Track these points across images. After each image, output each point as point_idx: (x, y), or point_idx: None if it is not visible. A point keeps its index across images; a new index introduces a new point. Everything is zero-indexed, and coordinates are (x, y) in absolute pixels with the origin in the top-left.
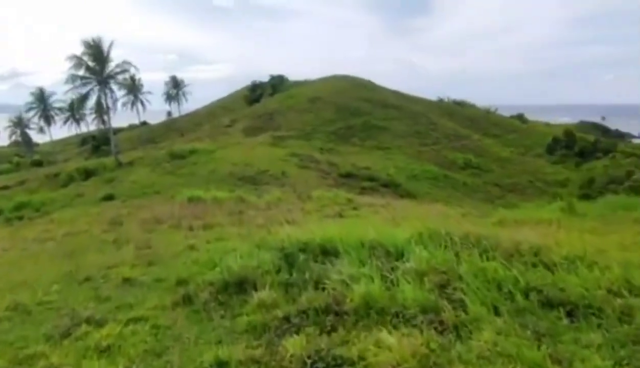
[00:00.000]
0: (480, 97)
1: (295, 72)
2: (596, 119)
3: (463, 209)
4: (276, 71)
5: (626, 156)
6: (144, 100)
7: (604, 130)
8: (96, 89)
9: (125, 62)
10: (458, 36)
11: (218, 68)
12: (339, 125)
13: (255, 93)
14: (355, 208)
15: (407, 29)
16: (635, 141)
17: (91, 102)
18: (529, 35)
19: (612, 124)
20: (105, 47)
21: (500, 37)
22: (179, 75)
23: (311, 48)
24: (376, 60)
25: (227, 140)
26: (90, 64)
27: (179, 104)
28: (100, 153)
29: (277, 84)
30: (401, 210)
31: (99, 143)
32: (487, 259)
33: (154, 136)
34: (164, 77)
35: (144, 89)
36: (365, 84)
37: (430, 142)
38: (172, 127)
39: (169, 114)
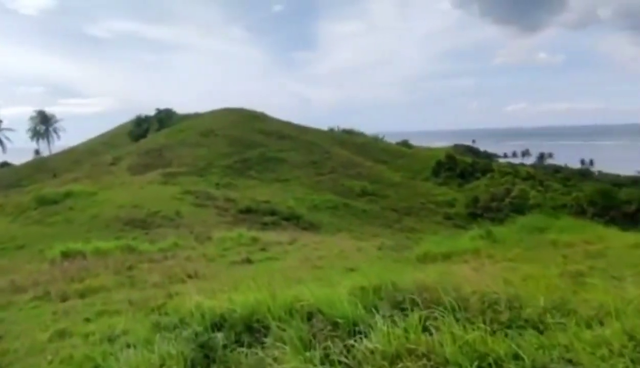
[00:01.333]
0: (365, 125)
1: (183, 106)
2: (468, 143)
3: (376, 241)
4: (162, 105)
5: (502, 175)
6: (3, 138)
7: (476, 152)
8: None
9: None
10: (342, 68)
11: (95, 102)
12: (235, 159)
13: (140, 128)
14: (263, 249)
15: (292, 62)
16: (502, 160)
17: None
18: (405, 68)
19: (482, 146)
20: None
21: (380, 69)
22: (49, 110)
23: (198, 82)
24: (265, 93)
25: (110, 180)
26: None
27: (49, 141)
28: None
29: (165, 118)
30: (313, 248)
31: None
32: (465, 327)
33: (19, 178)
34: (29, 111)
35: (3, 125)
36: (258, 116)
37: (327, 171)
38: (42, 167)
39: (37, 152)
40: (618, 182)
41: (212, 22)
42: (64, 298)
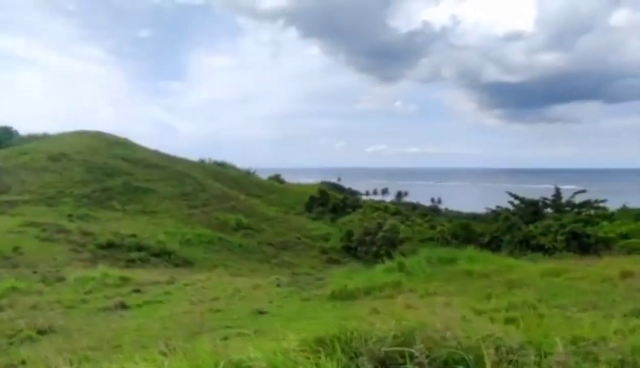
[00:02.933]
0: (235, 159)
1: (27, 126)
2: (333, 180)
3: (268, 278)
4: None
5: (373, 210)
6: None
7: (341, 189)
8: None
9: None
10: (212, 101)
11: None
12: (93, 188)
13: None
14: (137, 291)
15: (159, 90)
16: (365, 197)
17: None
18: (274, 106)
19: (346, 184)
20: None
21: (250, 105)
22: None
23: (46, 101)
24: (127, 120)
25: None
26: None
27: None
28: None
29: (3, 137)
30: (200, 287)
31: None
32: None
33: None
34: None
35: None
36: (121, 142)
37: (200, 203)
38: None
39: None
40: (462, 217)
41: (67, 38)
42: None
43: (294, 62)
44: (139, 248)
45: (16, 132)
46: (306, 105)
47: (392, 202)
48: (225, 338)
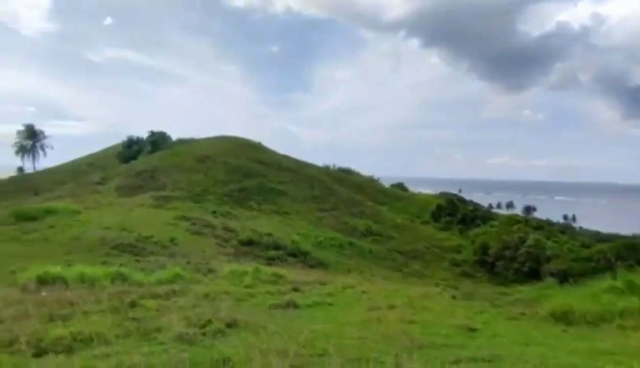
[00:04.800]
0: (353, 167)
1: (177, 132)
2: (453, 191)
3: (430, 286)
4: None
5: (512, 223)
6: None
7: (463, 201)
8: None
9: None
10: (333, 112)
11: (86, 125)
12: (232, 187)
13: (131, 149)
14: (297, 289)
15: (286, 102)
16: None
17: None
18: (393, 116)
19: (466, 196)
20: None
21: (369, 115)
22: (38, 128)
23: (190, 112)
24: (257, 129)
25: (96, 199)
26: None
27: (34, 158)
28: None
29: (159, 141)
30: (359, 292)
31: None
32: None
33: None
34: (18, 128)
35: None
36: (255, 145)
37: (329, 207)
38: (24, 184)
39: (21, 169)
40: (600, 238)
41: (206, 57)
42: (39, 351)
43: (413, 72)
44: (276, 247)
45: (169, 137)
46: (425, 115)
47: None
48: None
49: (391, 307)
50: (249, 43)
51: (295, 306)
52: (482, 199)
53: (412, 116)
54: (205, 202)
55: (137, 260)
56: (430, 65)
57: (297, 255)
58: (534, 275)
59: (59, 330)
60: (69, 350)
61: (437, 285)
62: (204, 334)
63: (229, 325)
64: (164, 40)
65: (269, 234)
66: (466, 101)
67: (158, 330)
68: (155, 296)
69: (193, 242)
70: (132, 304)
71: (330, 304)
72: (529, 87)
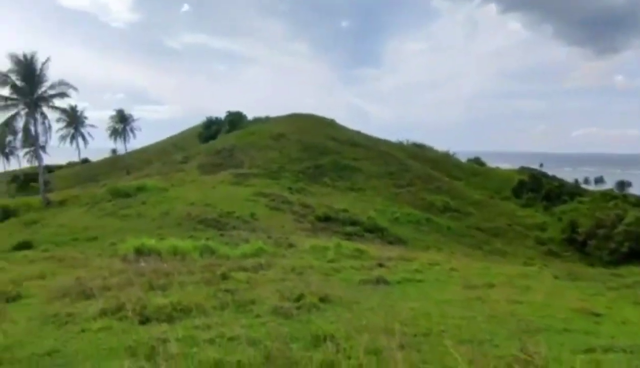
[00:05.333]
0: (425, 142)
1: (251, 113)
2: (534, 166)
3: (526, 266)
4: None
5: (607, 199)
6: (86, 134)
7: (545, 177)
8: (24, 112)
9: (62, 83)
10: (405, 86)
11: (169, 109)
12: (307, 165)
13: (210, 130)
14: (381, 265)
15: (356, 78)
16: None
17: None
18: (469, 88)
19: (549, 171)
20: (38, 64)
21: (443, 88)
22: (127, 112)
23: (264, 92)
24: (328, 106)
25: (181, 177)
26: (18, 83)
27: (124, 140)
28: (29, 191)
29: (236, 120)
30: (447, 269)
31: (27, 179)
32: None
33: (96, 174)
34: (111, 113)
35: (88, 122)
36: (328, 122)
37: (405, 183)
38: (117, 164)
39: (114, 151)
40: None
41: (278, 37)
42: (144, 319)
43: (491, 40)
44: (353, 223)
45: (245, 116)
46: (503, 85)
47: None
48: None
49: (489, 285)
50: (319, 20)
51: (385, 282)
52: (566, 174)
53: (490, 87)
54: (281, 178)
55: (221, 235)
56: (510, 32)
57: (375, 231)
58: (634, 256)
59: (160, 300)
60: (170, 319)
61: (526, 264)
62: (298, 308)
63: (322, 300)
64: (237, 23)
65: (345, 210)
66: (549, 69)
67: (252, 302)
68: (244, 269)
69: (272, 217)
70: (224, 276)
71: (420, 281)
72: (621, 50)
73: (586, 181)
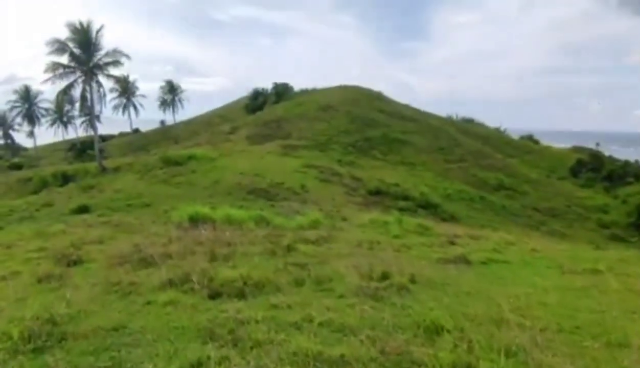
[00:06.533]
0: (477, 119)
1: (297, 85)
2: (590, 146)
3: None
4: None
5: None
6: (137, 105)
7: (601, 157)
8: (80, 80)
9: (116, 51)
10: (453, 59)
11: (215, 81)
12: (356, 137)
13: (257, 101)
14: (452, 243)
15: (402, 51)
16: None
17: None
18: (521, 62)
19: (606, 151)
20: (94, 32)
21: (494, 62)
22: (176, 83)
23: (310, 64)
24: (373, 79)
25: (230, 147)
26: (75, 51)
27: (173, 111)
28: (85, 158)
29: (282, 91)
30: (529, 250)
31: (84, 147)
32: None
33: (147, 143)
34: (161, 84)
35: (138, 93)
36: (376, 95)
37: (456, 158)
38: (166, 134)
39: (162, 123)
40: None
41: (323, 8)
42: (214, 293)
43: (547, 11)
44: (405, 198)
45: (292, 88)
46: (560, 60)
47: None
48: None
49: (593, 271)
50: None
51: (467, 262)
52: (626, 155)
53: (545, 62)
54: (329, 150)
55: (272, 205)
56: (570, 1)
57: (427, 208)
58: None
59: (227, 272)
60: (241, 295)
61: (597, 247)
62: (385, 289)
63: (412, 281)
64: None
65: (396, 184)
66: (613, 42)
67: (330, 279)
68: (307, 241)
69: (322, 189)
70: (289, 248)
71: (506, 262)
72: None
73: None
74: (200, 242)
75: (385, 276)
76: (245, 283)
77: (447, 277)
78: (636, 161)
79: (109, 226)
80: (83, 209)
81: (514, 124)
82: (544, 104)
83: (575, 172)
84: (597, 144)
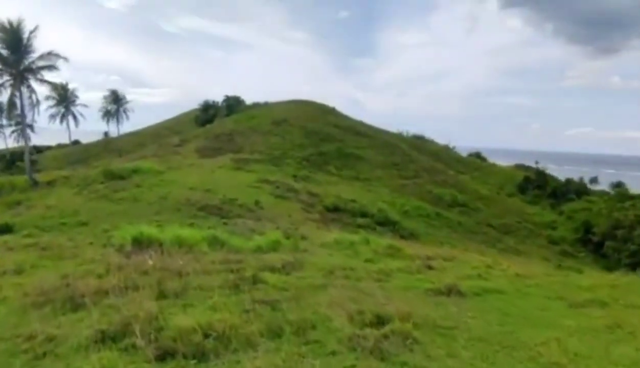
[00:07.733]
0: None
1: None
2: (529, 163)
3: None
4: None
5: (623, 199)
6: (78, 115)
7: (541, 174)
8: (9, 84)
9: (52, 54)
10: (401, 78)
11: (163, 92)
12: (311, 151)
13: (207, 113)
14: (430, 267)
15: (353, 67)
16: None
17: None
18: (465, 83)
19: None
20: (26, 33)
21: (439, 82)
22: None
23: (261, 78)
24: (325, 95)
25: (179, 160)
26: (3, 52)
27: (118, 122)
28: (15, 170)
29: (234, 104)
30: (510, 275)
31: (13, 158)
32: None
33: (87, 156)
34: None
35: (79, 102)
36: (330, 110)
37: (411, 174)
38: (109, 146)
39: (106, 134)
40: None
41: (276, 24)
42: (163, 352)
43: (491, 36)
44: (363, 215)
45: (244, 101)
46: (501, 82)
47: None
48: None
49: (598, 303)
50: (318, 9)
51: (459, 293)
52: (560, 172)
53: (487, 83)
54: (284, 165)
55: (225, 223)
56: (510, 28)
57: (386, 224)
58: None
59: (181, 319)
60: (201, 354)
61: (559, 266)
62: (385, 338)
63: (415, 326)
64: (235, 8)
65: (354, 201)
66: (548, 67)
67: (313, 326)
68: (273, 269)
69: (278, 205)
70: (254, 280)
71: (500, 293)
72: (621, 51)
73: (581, 180)
74: (145, 272)
75: (380, 319)
76: (205, 336)
77: (448, 317)
78: (581, 179)
79: (35, 249)
80: (4, 229)
81: (460, 142)
82: (486, 123)
83: (522, 189)
84: (537, 162)
